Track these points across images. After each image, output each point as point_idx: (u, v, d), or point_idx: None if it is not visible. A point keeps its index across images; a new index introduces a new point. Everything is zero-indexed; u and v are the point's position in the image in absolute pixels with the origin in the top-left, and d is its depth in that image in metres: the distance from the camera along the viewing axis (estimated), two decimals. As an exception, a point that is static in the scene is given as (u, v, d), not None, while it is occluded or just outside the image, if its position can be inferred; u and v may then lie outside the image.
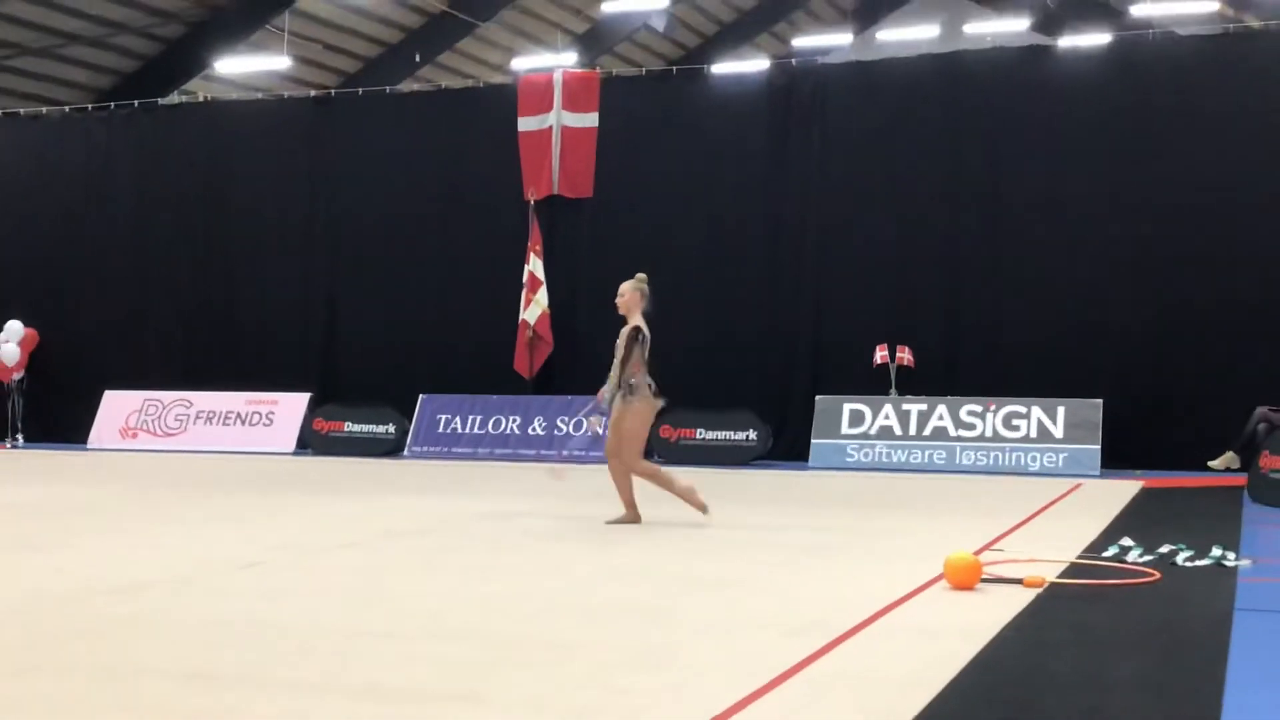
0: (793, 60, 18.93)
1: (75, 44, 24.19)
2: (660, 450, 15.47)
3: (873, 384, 15.18)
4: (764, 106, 16.34)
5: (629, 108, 16.85)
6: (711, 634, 5.61)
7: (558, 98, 16.88)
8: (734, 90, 16.88)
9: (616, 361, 9.49)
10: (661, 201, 16.52)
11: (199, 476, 13.82)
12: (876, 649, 5.32)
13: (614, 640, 5.49)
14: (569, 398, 16.31)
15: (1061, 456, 14.15)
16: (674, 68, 20.06)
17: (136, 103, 19.67)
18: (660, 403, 9.60)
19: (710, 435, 15.52)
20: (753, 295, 16.08)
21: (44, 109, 20.69)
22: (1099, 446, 14.06)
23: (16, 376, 18.28)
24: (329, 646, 5.36)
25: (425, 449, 16.52)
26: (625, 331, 9.46)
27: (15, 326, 18.27)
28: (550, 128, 16.89)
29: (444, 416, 16.74)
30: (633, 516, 9.54)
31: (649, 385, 9.50)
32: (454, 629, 5.75)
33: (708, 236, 16.28)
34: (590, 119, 16.79)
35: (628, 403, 9.37)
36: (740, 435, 15.46)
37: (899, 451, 14.75)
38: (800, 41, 34.72)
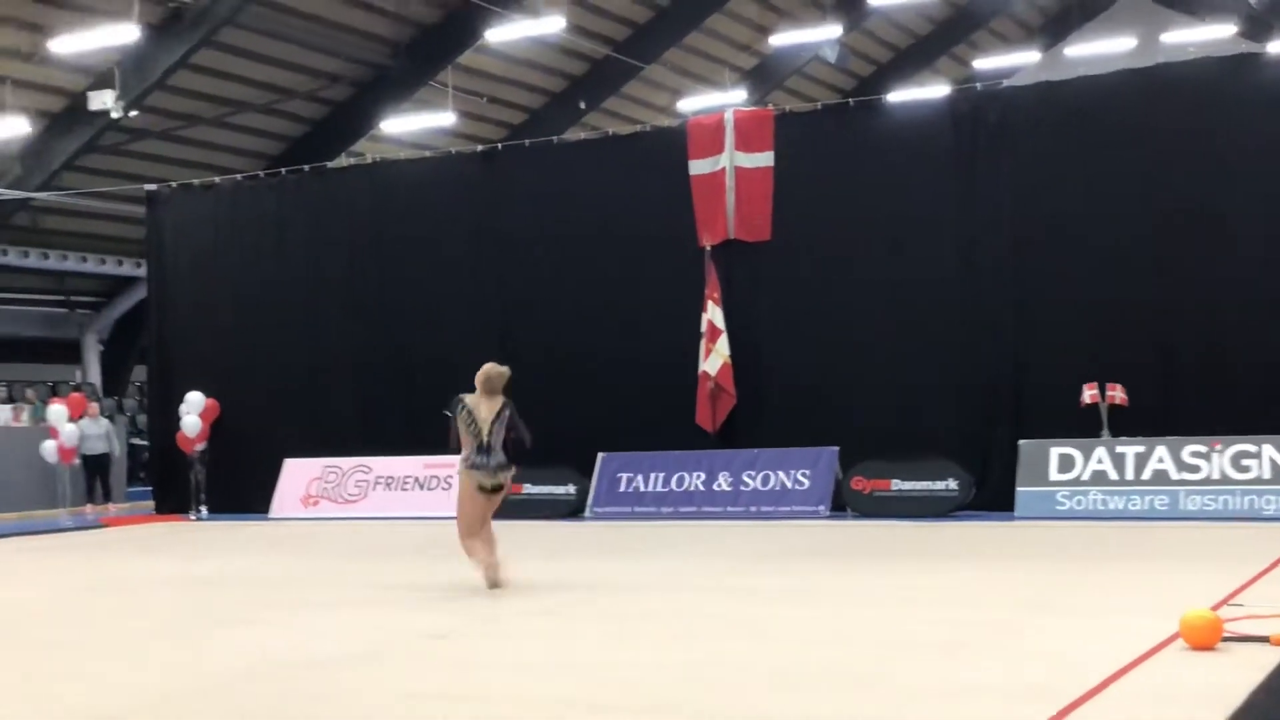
0: (976, 84, 18.68)
1: (245, 111, 25.35)
2: (853, 503, 15.32)
3: (1082, 426, 14.73)
4: (948, 134, 16.12)
5: (805, 144, 16.81)
6: (927, 701, 5.51)
7: (730, 138, 16.97)
8: (915, 119, 16.72)
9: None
10: (843, 240, 16.42)
11: (381, 544, 14.19)
12: (1117, 716, 5.14)
13: (822, 710, 5.43)
14: (755, 451, 16.26)
15: (1299, 498, 13.49)
16: (849, 99, 19.99)
17: (306, 167, 20.48)
18: (477, 476, 9.83)
19: (906, 486, 15.28)
20: (945, 335, 15.82)
21: (217, 178, 21.69)
22: (1341, 486, 13.35)
23: (199, 448, 19.07)
24: (528, 719, 5.43)
25: (607, 509, 16.65)
26: None
27: (196, 398, 19.09)
28: (723, 169, 16.97)
29: (625, 475, 16.85)
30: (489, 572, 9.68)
31: (471, 459, 9.83)
32: (654, 701, 5.76)
33: (893, 275, 16.10)
34: (765, 158, 16.82)
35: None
36: (939, 485, 15.18)
37: (1115, 498, 14.27)
38: (982, 63, 34.31)
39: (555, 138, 20.81)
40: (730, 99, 28.58)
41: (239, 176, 21.44)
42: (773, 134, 16.83)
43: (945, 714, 5.25)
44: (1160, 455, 14.25)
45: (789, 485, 15.86)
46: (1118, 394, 14.55)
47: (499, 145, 20.17)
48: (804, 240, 16.54)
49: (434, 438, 17.99)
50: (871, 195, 16.26)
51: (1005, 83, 18.53)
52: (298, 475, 18.74)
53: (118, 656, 7.47)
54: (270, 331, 19.45)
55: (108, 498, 20.53)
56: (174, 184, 21.01)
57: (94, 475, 20.43)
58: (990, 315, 15.65)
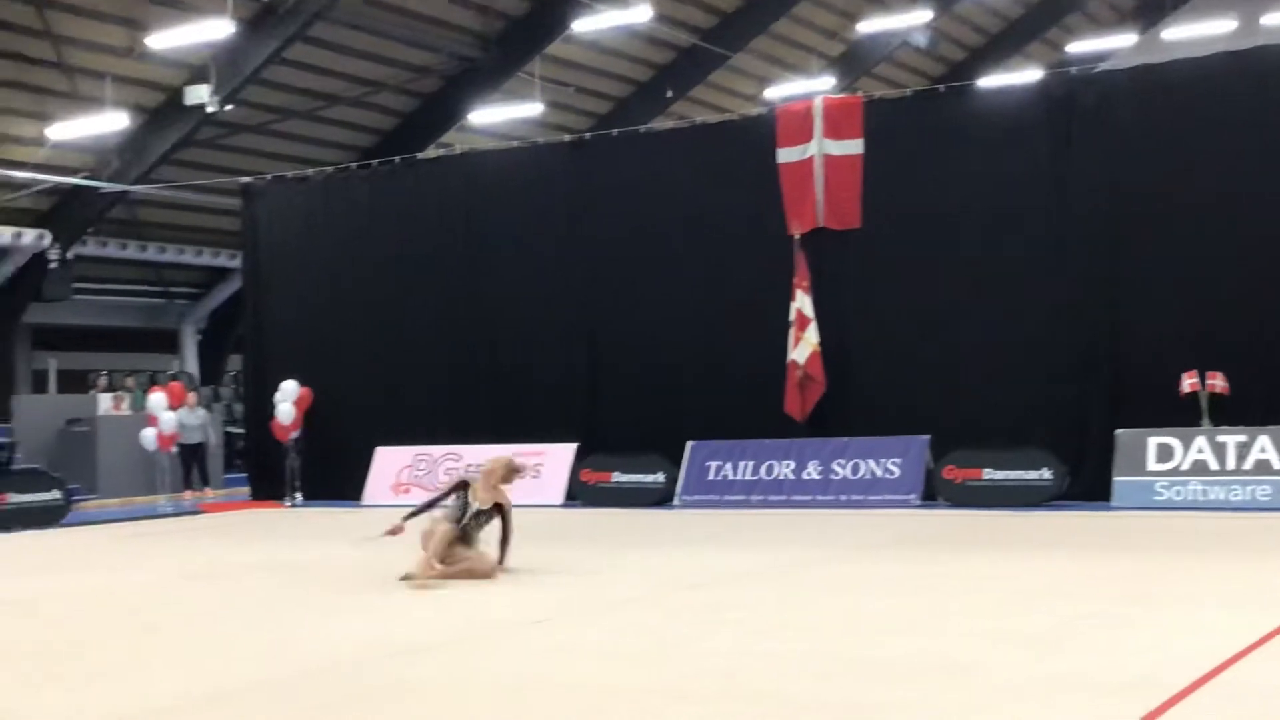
0: (1071, 68, 18.37)
1: (337, 105, 25.67)
2: (945, 493, 15.18)
3: (1181, 415, 14.46)
4: (1042, 120, 15.88)
5: (895, 131, 16.66)
6: (1021, 695, 5.44)
7: (818, 126, 16.86)
8: (1007, 105, 16.49)
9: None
10: (934, 227, 16.25)
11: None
12: (1221, 711, 5.04)
13: (914, 702, 5.39)
14: (844, 440, 16.17)
15: (1407, 489, 13.13)
16: (940, 85, 19.77)
17: (397, 159, 20.69)
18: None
19: (999, 475, 15.08)
20: (1039, 323, 15.59)
21: (309, 171, 22.00)
22: None
23: (293, 436, 19.39)
24: (623, 708, 5.44)
25: (696, 498, 16.65)
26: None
27: (290, 386, 19.39)
28: (812, 158, 16.87)
29: (714, 463, 16.84)
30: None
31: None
32: (747, 690, 5.76)
33: (985, 262, 15.90)
34: (854, 145, 16.69)
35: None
36: (1033, 474, 14.97)
37: (1216, 488, 13.98)
38: (1076, 47, 33.77)
39: (642, 127, 20.83)
40: (818, 86, 28.38)
41: (331, 169, 21.73)
42: (862, 121, 16.69)
43: (1041, 707, 5.19)
44: (1263, 445, 13.94)
45: (879, 474, 15.75)
46: (1218, 382, 14.24)
47: (586, 135, 20.23)
48: (894, 227, 16.40)
49: (522, 427, 18.28)
50: (962, 182, 16.08)
51: (1100, 67, 18.18)
52: (389, 463, 18.97)
53: (216, 641, 7.61)
54: (362, 321, 19.69)
55: (205, 484, 20.95)
56: (268, 177, 21.34)
57: (190, 463, 20.86)
58: (1085, 302, 15.40)
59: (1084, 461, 15.16)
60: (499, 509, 10.05)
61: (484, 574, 9.75)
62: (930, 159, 16.32)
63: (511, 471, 10.23)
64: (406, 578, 9.55)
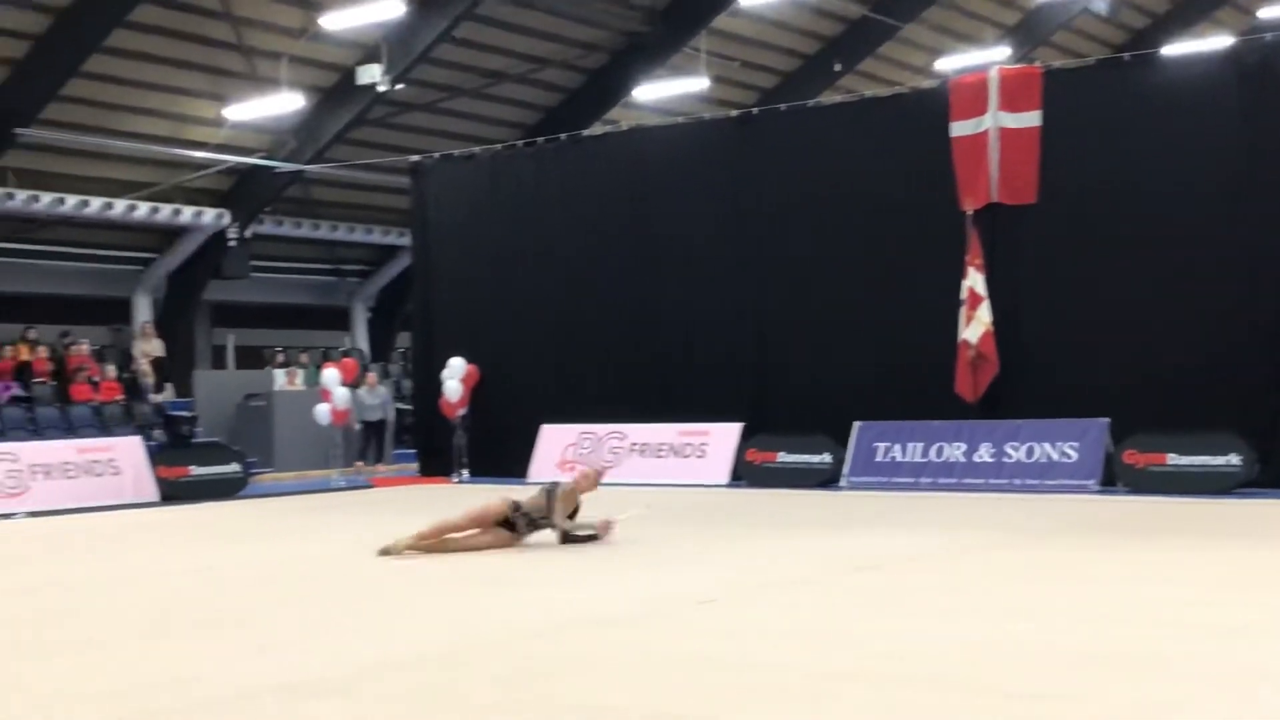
0: (1264, 34, 17.59)
1: (503, 82, 25.98)
2: (1126, 478, 14.75)
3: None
4: (1232, 89, 15.25)
5: (1074, 102, 16.17)
6: (1220, 687, 5.24)
7: (994, 98, 16.46)
8: (1195, 74, 15.87)
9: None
10: (1115, 202, 15.75)
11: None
12: None
13: (1103, 692, 5.24)
14: (1018, 422, 15.81)
15: None
16: (1123, 54, 19.12)
17: (563, 136, 20.87)
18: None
19: (1184, 460, 14.58)
20: (1227, 301, 14.99)
21: (477, 148, 22.32)
22: None
23: (460, 412, 19.75)
24: (798, 688, 5.41)
25: (863, 479, 16.47)
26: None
27: (458, 363, 19.75)
28: (986, 131, 16.49)
29: (882, 445, 16.63)
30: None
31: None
32: (923, 673, 5.67)
33: (1168, 239, 15.35)
34: (1032, 118, 16.25)
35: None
36: (1220, 460, 14.43)
37: None
38: (1268, 12, 32.35)
39: (810, 101, 20.62)
40: (992, 57, 27.73)
41: (498, 146, 22.00)
42: (1040, 92, 16.25)
43: (1243, 700, 4.99)
44: None
45: (1055, 458, 15.37)
46: None
47: (753, 110, 20.09)
48: (1072, 203, 15.95)
49: (686, 405, 18.32)
50: (1146, 155, 15.56)
51: (1296, 31, 17.35)
52: (554, 440, 19.19)
53: (401, 612, 7.78)
54: (528, 299, 19.94)
55: (379, 459, 21.48)
56: (436, 155, 21.72)
57: (368, 440, 21.40)
58: (1277, 280, 14.77)
59: (1275, 447, 14.58)
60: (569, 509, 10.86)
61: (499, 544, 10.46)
62: (1112, 131, 15.83)
63: (594, 484, 11.27)
64: (385, 552, 10.19)
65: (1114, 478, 14.92)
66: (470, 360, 19.88)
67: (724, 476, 17.58)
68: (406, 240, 25.22)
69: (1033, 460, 15.52)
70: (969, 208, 16.39)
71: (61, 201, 23.08)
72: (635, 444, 18.61)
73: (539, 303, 19.85)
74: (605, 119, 26.63)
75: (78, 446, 17.68)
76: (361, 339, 30.23)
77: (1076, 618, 7.02)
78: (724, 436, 17.92)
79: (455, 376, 19.72)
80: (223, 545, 12.31)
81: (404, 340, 29.39)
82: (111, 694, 5.72)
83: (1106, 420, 15.22)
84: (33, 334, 22.92)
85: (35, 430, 19.79)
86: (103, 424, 20.58)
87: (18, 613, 8.21)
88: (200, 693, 5.67)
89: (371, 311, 30.93)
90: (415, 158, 21.78)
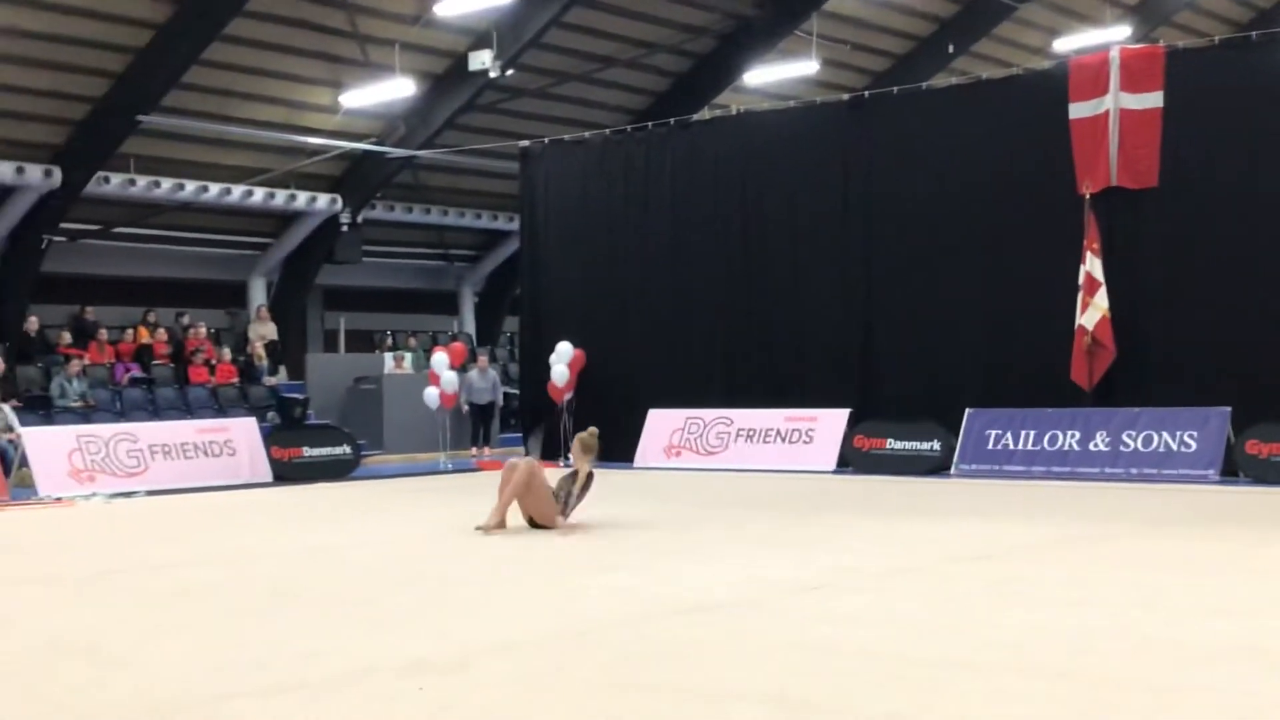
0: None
1: (612, 67, 26.04)
2: (1247, 468, 14.45)
3: None
4: (1366, 68, 14.82)
5: (1198, 83, 15.81)
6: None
7: (1114, 78, 16.15)
8: (1327, 52, 15.44)
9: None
10: (1239, 186, 15.37)
11: (743, 496, 14.40)
12: None
13: (1226, 687, 5.14)
14: (1135, 410, 15.54)
15: None
16: (1249, 33, 18.62)
17: (671, 120, 20.88)
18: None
19: (1308, 451, 14.24)
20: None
21: (586, 133, 22.42)
22: None
23: (567, 397, 19.90)
24: (913, 676, 5.39)
25: (974, 467, 16.30)
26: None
27: (565, 348, 19.89)
28: (1106, 112, 16.18)
29: (993, 432, 16.44)
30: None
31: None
32: (1041, 665, 5.61)
33: (1297, 224, 14.97)
34: (1154, 99, 15.92)
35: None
36: (1347, 451, 14.08)
37: None
38: (1403, -13, 31.27)
39: (923, 84, 20.40)
40: (1112, 36, 27.14)
41: (607, 131, 22.08)
42: (1163, 72, 15.91)
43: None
44: None
45: (1174, 447, 15.07)
46: None
47: (865, 93, 19.93)
48: (1195, 186, 15.62)
49: (794, 391, 18.26)
50: (1271, 138, 15.16)
51: None
52: (661, 425, 19.25)
53: (498, 595, 7.88)
54: (636, 283, 20.01)
55: (487, 442, 21.73)
56: (545, 140, 21.85)
57: (478, 423, 21.65)
58: None
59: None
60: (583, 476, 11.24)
61: (546, 519, 10.96)
62: (1237, 113, 15.46)
63: (591, 448, 11.62)
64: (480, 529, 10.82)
65: (1235, 468, 14.61)
66: (577, 344, 20.01)
67: (831, 463, 17.52)
68: (515, 225, 25.44)
69: (1150, 449, 15.24)
70: (1087, 191, 16.11)
71: (181, 187, 23.67)
72: (742, 429, 18.60)
73: (646, 287, 19.91)
74: (714, 103, 26.58)
75: (196, 427, 18.14)
76: (469, 323, 30.57)
77: (1201, 610, 6.88)
78: (831, 422, 17.85)
79: (562, 361, 19.86)
80: (337, 525, 12.57)
81: (511, 325, 29.65)
82: (248, 664, 5.89)
83: (1228, 409, 14.89)
84: (152, 317, 23.57)
85: (154, 411, 20.36)
86: (219, 405, 21.10)
87: (151, 587, 8.46)
88: (327, 667, 5.81)
89: (479, 296, 31.25)
90: (525, 143, 21.95)
